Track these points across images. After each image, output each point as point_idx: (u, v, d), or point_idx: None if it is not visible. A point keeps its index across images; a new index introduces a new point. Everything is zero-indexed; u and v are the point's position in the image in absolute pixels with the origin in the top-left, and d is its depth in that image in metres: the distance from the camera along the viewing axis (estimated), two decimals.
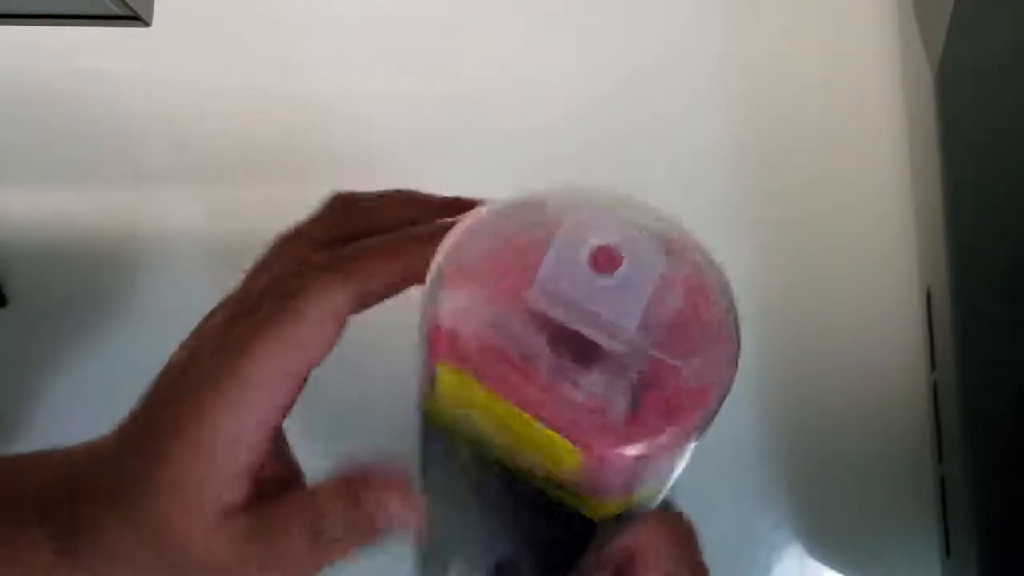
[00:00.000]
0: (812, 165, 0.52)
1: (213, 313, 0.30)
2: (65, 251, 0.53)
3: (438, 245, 0.25)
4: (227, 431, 0.26)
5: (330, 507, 0.27)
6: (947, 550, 0.48)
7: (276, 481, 0.29)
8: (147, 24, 0.38)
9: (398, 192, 0.32)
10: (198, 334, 0.29)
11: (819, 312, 0.51)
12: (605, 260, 0.23)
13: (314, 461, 0.31)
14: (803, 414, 0.48)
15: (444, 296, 0.24)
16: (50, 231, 0.53)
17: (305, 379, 0.27)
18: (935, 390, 0.48)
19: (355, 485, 0.27)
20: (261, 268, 0.30)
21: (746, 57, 0.53)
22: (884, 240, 0.51)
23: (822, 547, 0.51)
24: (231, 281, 0.30)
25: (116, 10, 0.36)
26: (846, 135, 0.52)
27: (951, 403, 0.45)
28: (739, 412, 0.47)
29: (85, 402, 0.49)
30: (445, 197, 0.31)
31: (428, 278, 0.25)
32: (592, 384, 0.24)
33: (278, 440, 0.30)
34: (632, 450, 0.24)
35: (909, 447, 0.50)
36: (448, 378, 0.24)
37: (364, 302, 0.27)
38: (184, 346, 0.29)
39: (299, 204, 0.53)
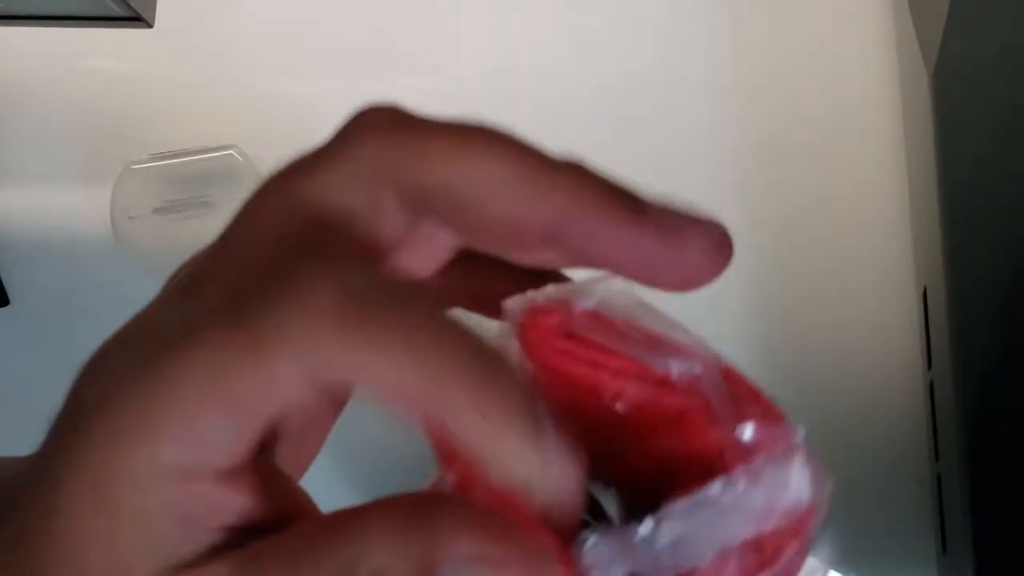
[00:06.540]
0: (808, 165, 0.52)
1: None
2: (66, 250, 0.53)
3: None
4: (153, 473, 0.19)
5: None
6: (943, 547, 0.48)
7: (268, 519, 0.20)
8: (149, 25, 0.39)
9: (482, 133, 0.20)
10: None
11: (816, 311, 0.51)
12: None
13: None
14: (799, 412, 0.48)
15: None
16: (51, 231, 0.53)
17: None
18: (931, 389, 0.49)
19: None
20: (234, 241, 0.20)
21: (742, 58, 0.53)
22: (880, 240, 0.52)
23: (818, 544, 0.51)
24: None
25: (119, 11, 0.36)
26: (842, 135, 0.52)
27: (947, 402, 0.45)
28: None
29: None
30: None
31: None
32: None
33: (260, 470, 0.20)
34: None
35: (905, 445, 0.50)
36: None
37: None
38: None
39: None
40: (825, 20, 0.53)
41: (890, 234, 0.51)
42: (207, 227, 0.50)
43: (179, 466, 0.19)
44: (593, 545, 0.20)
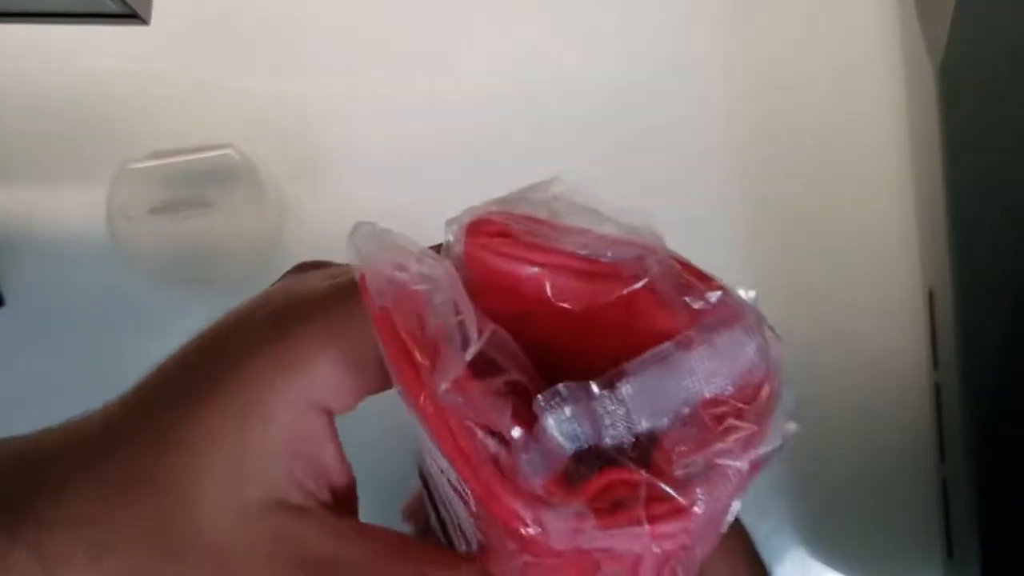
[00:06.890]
0: (814, 165, 0.52)
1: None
2: (62, 251, 0.52)
3: None
4: (292, 407, 0.23)
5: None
6: (949, 551, 0.48)
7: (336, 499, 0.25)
8: (146, 23, 0.38)
9: None
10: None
11: (822, 313, 0.51)
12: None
13: None
14: (805, 415, 0.48)
15: None
16: (46, 231, 0.53)
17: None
18: (937, 391, 0.48)
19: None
20: None
21: (747, 57, 0.53)
22: (886, 241, 0.51)
23: (824, 548, 0.51)
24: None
25: (115, 9, 0.36)
26: (848, 135, 0.52)
27: (953, 404, 0.45)
28: None
29: (82, 402, 0.49)
30: None
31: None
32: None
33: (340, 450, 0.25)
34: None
35: (911, 448, 0.50)
36: None
37: None
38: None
39: (299, 203, 0.53)
40: (830, 19, 0.52)
41: (896, 236, 0.51)
42: (204, 226, 0.49)
43: (307, 401, 0.22)
44: (549, 400, 0.20)
